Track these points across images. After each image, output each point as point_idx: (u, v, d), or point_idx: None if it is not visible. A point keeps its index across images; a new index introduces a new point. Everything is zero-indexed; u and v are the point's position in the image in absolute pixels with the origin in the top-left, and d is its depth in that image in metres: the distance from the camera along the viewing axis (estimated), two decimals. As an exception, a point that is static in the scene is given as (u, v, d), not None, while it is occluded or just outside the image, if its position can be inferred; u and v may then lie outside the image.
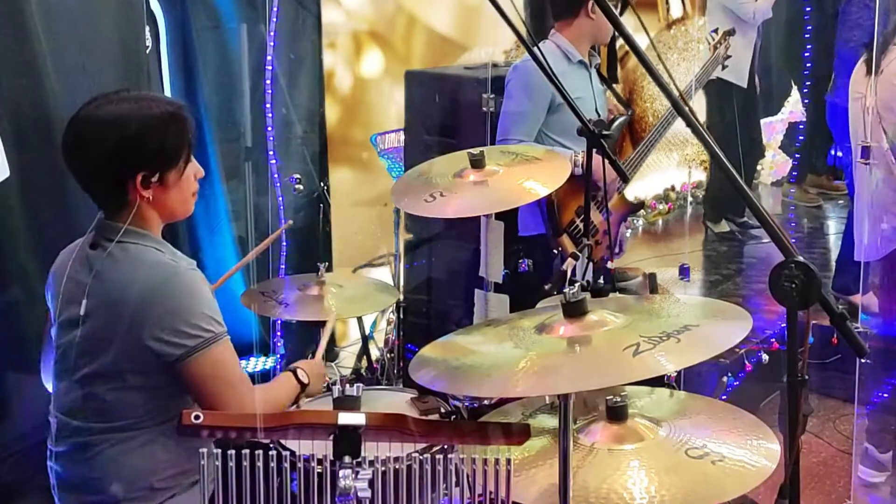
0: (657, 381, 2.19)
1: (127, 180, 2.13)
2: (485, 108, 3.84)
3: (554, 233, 3.56)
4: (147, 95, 2.31)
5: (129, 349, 2.11)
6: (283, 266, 4.12)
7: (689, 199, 7.05)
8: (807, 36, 6.56)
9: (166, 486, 2.19)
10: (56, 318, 2.22)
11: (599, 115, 3.73)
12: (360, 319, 3.91)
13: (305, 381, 2.37)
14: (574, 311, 1.80)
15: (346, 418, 1.51)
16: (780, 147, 7.50)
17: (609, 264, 3.03)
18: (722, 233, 6.19)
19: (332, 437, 1.53)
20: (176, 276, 2.12)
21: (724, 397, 3.99)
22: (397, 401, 2.69)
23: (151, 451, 2.17)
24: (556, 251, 3.52)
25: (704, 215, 6.37)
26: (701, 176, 7.22)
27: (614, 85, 4.17)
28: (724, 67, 4.49)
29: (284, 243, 4.08)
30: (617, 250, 3.82)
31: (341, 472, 1.49)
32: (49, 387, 2.42)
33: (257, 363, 4.07)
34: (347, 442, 1.51)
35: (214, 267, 3.78)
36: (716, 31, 4.36)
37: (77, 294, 2.16)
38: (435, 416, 2.57)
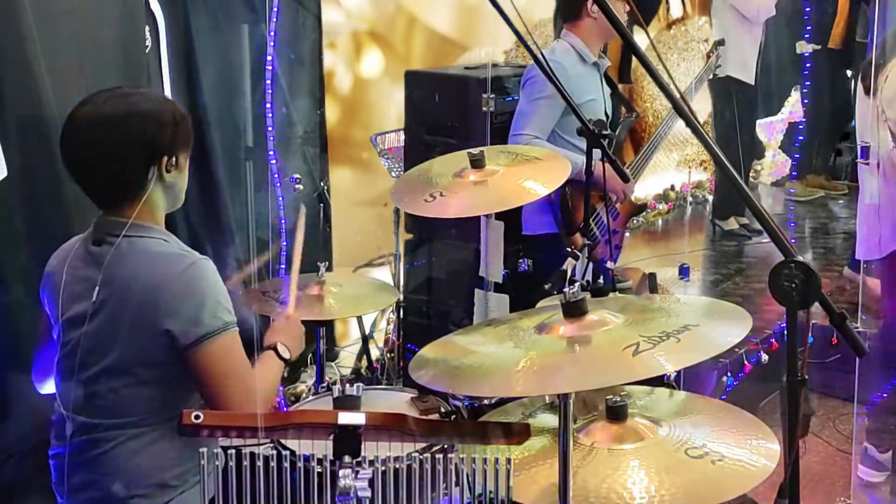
0: (657, 381, 2.20)
1: (148, 169, 2.16)
2: (485, 108, 3.84)
3: (568, 231, 3.56)
4: (142, 89, 2.34)
5: (144, 340, 2.12)
6: (283, 266, 4.12)
7: (689, 199, 7.05)
8: (807, 36, 6.56)
9: (176, 484, 2.20)
10: (59, 317, 2.22)
11: (609, 117, 3.75)
12: (360, 319, 3.91)
13: (287, 356, 2.37)
14: (574, 310, 1.80)
15: (346, 418, 1.51)
16: (779, 147, 7.51)
17: (609, 264, 3.04)
18: (731, 230, 6.19)
19: (332, 437, 1.53)
20: (192, 265, 2.15)
21: (723, 397, 3.99)
22: (397, 401, 2.69)
23: (161, 447, 2.18)
24: (568, 249, 3.54)
25: (712, 213, 6.37)
26: (701, 176, 7.23)
27: (623, 85, 4.20)
28: (715, 76, 4.60)
29: (284, 243, 4.08)
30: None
31: (341, 472, 1.49)
32: (41, 389, 2.42)
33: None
34: (347, 442, 1.52)
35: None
36: (706, 40, 4.47)
37: (83, 291, 2.17)
38: (435, 416, 2.57)
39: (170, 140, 2.18)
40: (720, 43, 4.56)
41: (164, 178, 2.19)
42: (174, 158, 2.20)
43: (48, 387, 2.38)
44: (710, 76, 4.56)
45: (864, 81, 3.87)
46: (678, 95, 1.69)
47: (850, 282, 4.71)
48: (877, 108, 3.65)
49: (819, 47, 6.40)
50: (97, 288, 2.14)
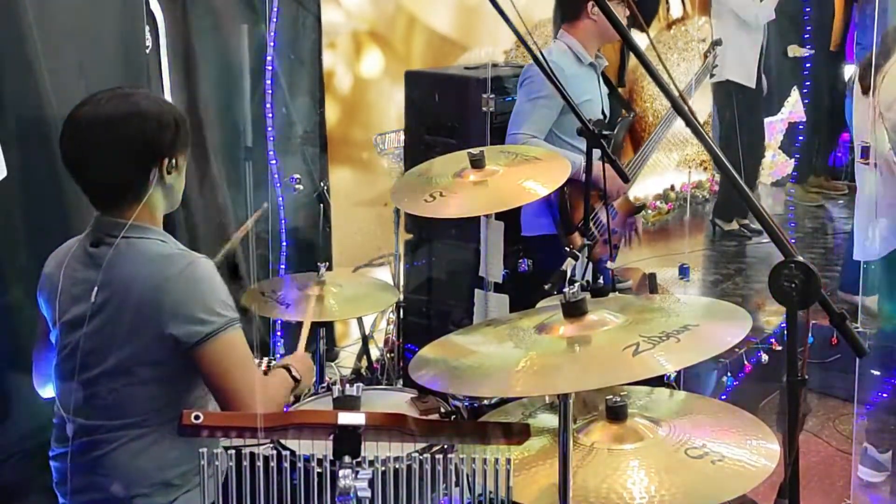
0: (657, 381, 2.19)
1: (149, 171, 2.16)
2: (485, 108, 3.84)
3: (567, 231, 3.57)
4: (141, 90, 2.33)
5: (145, 341, 2.12)
6: (284, 266, 4.12)
7: (689, 199, 7.05)
8: (806, 36, 6.57)
9: (180, 483, 2.20)
10: (57, 319, 2.22)
11: (607, 117, 3.75)
12: (360, 319, 3.91)
13: (298, 377, 2.39)
14: (574, 310, 1.80)
15: (346, 418, 1.51)
16: (779, 147, 7.51)
17: (609, 264, 3.04)
18: (731, 230, 6.20)
19: (332, 437, 1.53)
20: (191, 265, 2.15)
21: (723, 397, 3.99)
22: (397, 401, 2.69)
23: (163, 447, 2.18)
24: (567, 249, 3.54)
25: (715, 213, 6.37)
26: (701, 176, 7.23)
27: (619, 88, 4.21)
28: (712, 76, 4.62)
29: (284, 243, 4.09)
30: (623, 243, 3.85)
31: (341, 472, 1.49)
32: (43, 393, 2.42)
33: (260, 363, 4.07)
34: (347, 442, 1.52)
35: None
36: (704, 40, 4.48)
37: (82, 293, 2.16)
38: (435, 416, 2.57)
39: (171, 141, 2.18)
40: (717, 43, 4.58)
41: (164, 180, 2.20)
42: (174, 160, 2.20)
43: (49, 390, 2.38)
44: (708, 76, 4.58)
45: (862, 82, 3.87)
46: (678, 96, 1.69)
47: (846, 303, 4.70)
48: (875, 108, 3.65)
49: (812, 52, 6.42)
50: (96, 289, 2.13)
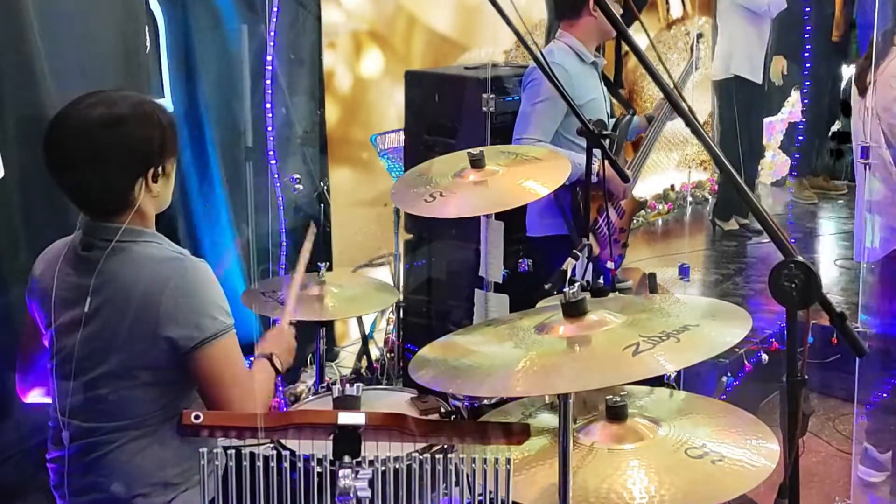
0: (657, 381, 2.20)
1: (134, 181, 2.14)
2: (485, 108, 3.83)
3: (581, 234, 3.56)
4: (129, 93, 2.27)
5: (143, 344, 2.11)
6: (284, 266, 4.12)
7: (689, 199, 7.05)
8: (806, 36, 6.56)
9: (179, 482, 2.20)
10: (50, 323, 2.20)
11: (611, 116, 3.75)
12: (360, 319, 3.91)
13: (280, 368, 2.37)
14: (574, 310, 1.80)
15: (345, 418, 1.52)
16: (779, 147, 7.51)
17: (608, 264, 3.04)
18: (731, 230, 6.20)
19: (332, 437, 1.53)
20: (188, 269, 2.14)
21: (723, 397, 3.99)
22: (397, 401, 2.69)
23: (162, 447, 2.17)
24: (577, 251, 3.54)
25: (714, 212, 6.37)
26: (701, 176, 7.23)
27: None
28: (696, 68, 4.63)
29: (284, 243, 4.09)
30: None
31: (341, 472, 1.49)
32: (26, 399, 2.40)
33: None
34: (347, 442, 1.52)
35: (214, 267, 3.77)
36: (688, 32, 4.50)
37: (77, 297, 2.14)
38: (435, 416, 2.57)
39: (157, 150, 2.15)
40: (700, 35, 4.60)
41: (151, 189, 2.16)
42: (161, 167, 2.17)
43: (33, 396, 2.37)
44: (696, 69, 4.57)
45: (858, 82, 3.87)
46: (678, 95, 1.69)
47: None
48: (871, 108, 3.65)
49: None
50: (90, 294, 2.12)
